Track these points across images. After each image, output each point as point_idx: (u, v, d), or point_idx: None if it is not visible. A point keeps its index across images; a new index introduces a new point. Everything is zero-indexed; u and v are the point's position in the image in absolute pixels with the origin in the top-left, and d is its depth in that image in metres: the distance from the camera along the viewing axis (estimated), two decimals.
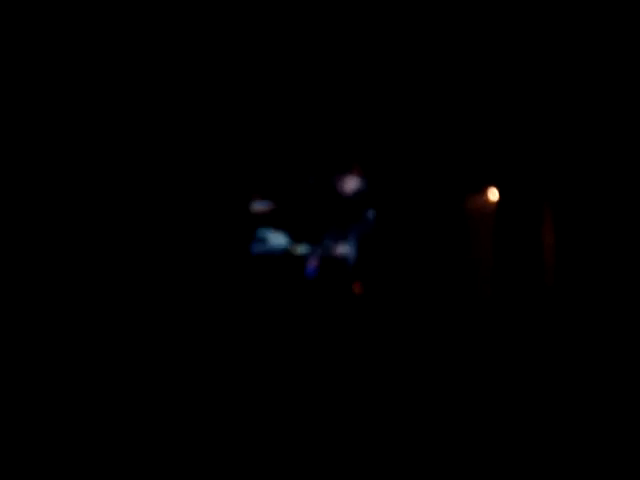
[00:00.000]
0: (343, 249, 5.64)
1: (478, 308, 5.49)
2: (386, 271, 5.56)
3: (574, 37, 5.08)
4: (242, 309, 5.21)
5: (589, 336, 5.01)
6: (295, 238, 5.61)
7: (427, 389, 4.69)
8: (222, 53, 5.07)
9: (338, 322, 5.35)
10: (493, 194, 5.58)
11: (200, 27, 4.92)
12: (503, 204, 5.47)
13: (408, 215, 5.60)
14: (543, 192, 5.40)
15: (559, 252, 5.35)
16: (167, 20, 4.80)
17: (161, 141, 5.01)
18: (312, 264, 5.56)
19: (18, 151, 4.38)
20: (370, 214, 5.66)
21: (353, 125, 5.54)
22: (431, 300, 5.45)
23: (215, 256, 5.11)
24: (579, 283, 5.25)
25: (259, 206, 5.51)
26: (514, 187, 5.45)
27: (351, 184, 5.67)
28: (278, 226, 5.57)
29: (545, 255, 5.38)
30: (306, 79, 5.33)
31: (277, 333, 5.17)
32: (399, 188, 5.60)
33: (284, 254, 5.52)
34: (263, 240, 5.50)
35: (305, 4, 4.97)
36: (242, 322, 5.14)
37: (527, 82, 5.28)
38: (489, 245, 5.52)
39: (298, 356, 5.02)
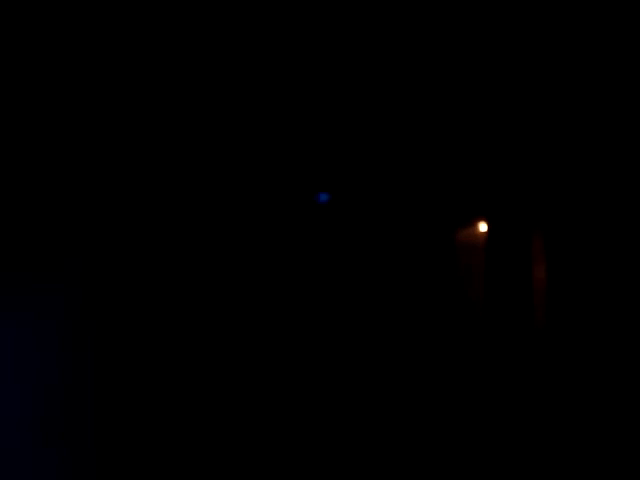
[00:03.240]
0: None
1: (467, 345, 5.36)
2: (376, 306, 5.42)
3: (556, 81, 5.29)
4: None
5: (580, 379, 4.95)
6: None
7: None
8: None
9: None
10: (483, 226, 5.51)
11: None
12: (493, 236, 5.40)
13: (397, 247, 5.60)
14: (533, 222, 5.33)
15: (550, 286, 5.28)
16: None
17: None
18: None
19: (19, 151, 4.35)
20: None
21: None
22: (419, 335, 5.33)
23: None
24: (571, 321, 5.16)
25: None
26: (504, 218, 5.37)
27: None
28: None
29: (535, 291, 5.29)
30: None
31: None
32: (386, 221, 5.64)
33: None
34: None
35: None
36: None
37: (514, 115, 5.30)
38: (480, 279, 5.42)
39: None
